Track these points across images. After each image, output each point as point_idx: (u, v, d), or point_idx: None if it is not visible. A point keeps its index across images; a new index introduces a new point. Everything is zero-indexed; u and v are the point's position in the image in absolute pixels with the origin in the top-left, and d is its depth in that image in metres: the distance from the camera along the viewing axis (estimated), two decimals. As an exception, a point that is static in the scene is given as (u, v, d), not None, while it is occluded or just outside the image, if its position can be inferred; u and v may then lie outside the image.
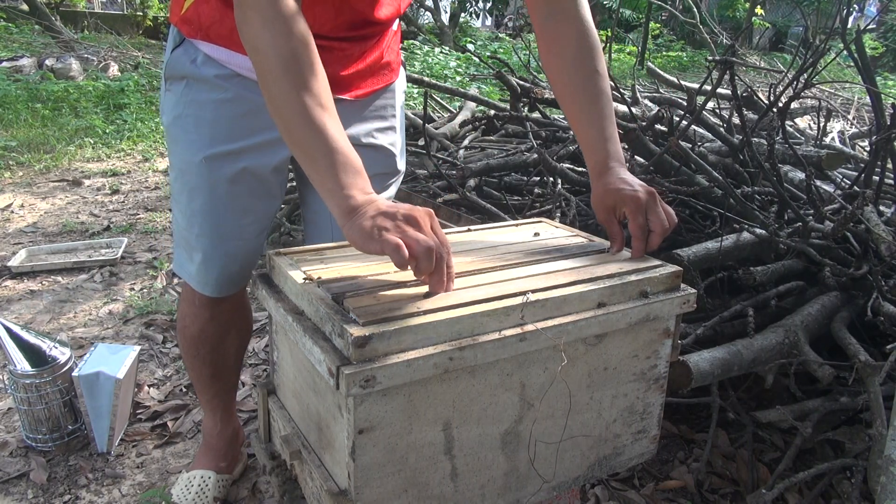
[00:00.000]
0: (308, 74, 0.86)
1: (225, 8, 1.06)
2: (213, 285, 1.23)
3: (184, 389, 1.95)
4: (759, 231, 1.67)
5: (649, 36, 11.64)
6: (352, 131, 1.20)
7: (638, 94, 3.08)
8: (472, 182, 2.36)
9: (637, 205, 0.96)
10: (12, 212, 3.48)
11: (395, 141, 1.28)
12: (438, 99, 4.32)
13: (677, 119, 2.24)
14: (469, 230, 1.12)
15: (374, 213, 0.81)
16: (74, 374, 1.61)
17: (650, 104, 3.08)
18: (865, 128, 3.51)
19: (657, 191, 1.00)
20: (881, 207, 1.90)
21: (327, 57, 1.10)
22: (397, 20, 1.21)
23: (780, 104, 1.90)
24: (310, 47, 0.88)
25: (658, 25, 13.58)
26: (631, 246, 0.98)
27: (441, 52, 9.30)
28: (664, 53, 12.18)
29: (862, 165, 2.15)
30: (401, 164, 1.31)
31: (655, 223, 0.96)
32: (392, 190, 1.33)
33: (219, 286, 1.23)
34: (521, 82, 2.77)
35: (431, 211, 0.82)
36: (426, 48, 9.43)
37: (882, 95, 1.89)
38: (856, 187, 1.93)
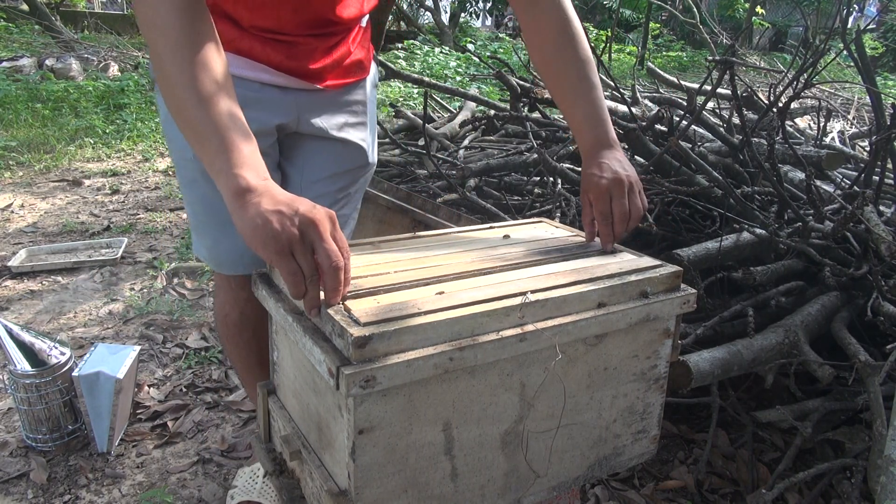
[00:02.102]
0: (205, 52, 0.84)
1: None
2: (228, 264, 1.24)
3: (184, 389, 1.95)
4: (759, 231, 1.67)
5: (649, 36, 11.64)
6: (322, 122, 1.21)
7: (638, 94, 3.08)
8: (472, 182, 2.36)
9: (598, 192, 0.99)
10: (12, 212, 3.48)
11: (365, 136, 1.30)
12: (438, 99, 4.33)
13: (677, 119, 2.24)
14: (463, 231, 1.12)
15: (270, 207, 0.75)
16: (74, 374, 1.61)
17: (650, 104, 3.08)
18: (865, 128, 3.51)
19: (630, 182, 1.00)
20: (881, 207, 1.90)
21: (294, 51, 1.12)
22: (365, 18, 1.22)
23: (780, 104, 1.90)
24: (206, 25, 0.87)
25: (658, 25, 13.58)
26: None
27: (441, 52, 9.29)
28: (664, 53, 12.17)
29: (862, 165, 2.15)
30: (372, 157, 1.33)
31: (616, 211, 0.98)
32: (364, 182, 1.35)
33: (233, 264, 1.24)
34: (521, 82, 2.77)
35: (332, 213, 0.78)
36: (426, 48, 9.43)
37: (882, 95, 1.90)
38: (856, 187, 1.93)
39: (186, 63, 0.83)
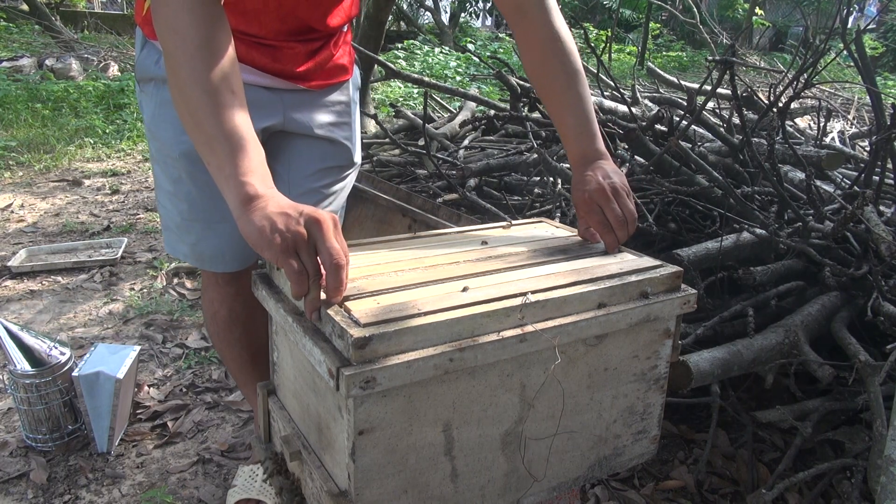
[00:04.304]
0: (221, 59, 0.85)
1: None
2: (211, 261, 1.25)
3: (184, 389, 1.95)
4: (759, 231, 1.67)
5: (649, 36, 11.63)
6: (307, 120, 1.23)
7: (638, 94, 3.08)
8: (472, 182, 2.36)
9: (586, 206, 1.01)
10: (12, 212, 3.48)
11: (350, 136, 1.31)
12: (438, 99, 4.32)
13: (677, 119, 2.24)
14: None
15: (275, 210, 0.77)
16: (74, 374, 1.61)
17: (650, 104, 3.08)
18: (865, 128, 3.51)
19: (614, 187, 1.01)
20: (881, 207, 1.90)
21: (277, 54, 1.14)
22: (346, 24, 1.24)
23: (780, 104, 1.90)
24: (226, 34, 0.88)
25: (658, 25, 13.57)
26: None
27: (441, 52, 9.30)
28: (664, 53, 12.17)
29: (862, 165, 2.15)
30: (357, 157, 1.35)
31: (611, 218, 0.99)
32: (349, 181, 1.36)
33: (215, 261, 1.25)
34: (521, 82, 2.77)
35: (336, 217, 0.80)
36: (426, 48, 9.43)
37: (882, 95, 1.90)
38: (856, 187, 1.93)
39: (203, 70, 0.84)
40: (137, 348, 1.83)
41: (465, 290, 0.82)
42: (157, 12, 0.88)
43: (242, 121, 0.85)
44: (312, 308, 0.77)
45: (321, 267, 0.76)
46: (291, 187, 1.26)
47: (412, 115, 3.44)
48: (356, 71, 1.35)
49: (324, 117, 1.25)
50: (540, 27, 1.09)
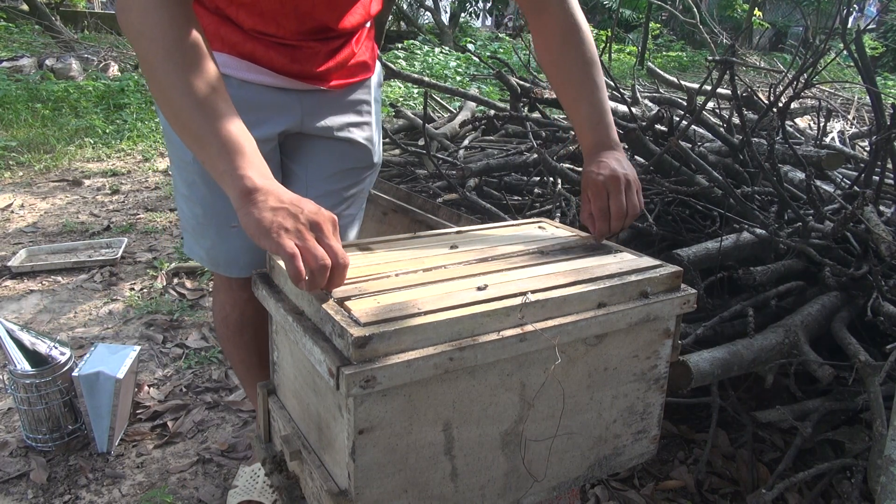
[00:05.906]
0: (196, 57, 0.85)
1: (198, 7, 1.07)
2: (226, 265, 1.24)
3: (184, 389, 1.95)
4: (759, 231, 1.67)
5: (649, 36, 11.63)
6: (327, 122, 1.22)
7: (638, 94, 3.08)
8: (472, 182, 2.36)
9: (596, 189, 1.02)
10: (12, 212, 3.48)
11: (370, 136, 1.30)
12: (438, 99, 4.32)
13: (677, 119, 2.24)
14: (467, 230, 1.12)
15: (276, 205, 0.78)
16: (74, 374, 1.61)
17: (650, 104, 3.08)
18: (865, 128, 3.51)
19: (628, 179, 1.02)
20: (881, 207, 1.89)
21: (297, 54, 1.13)
22: (369, 20, 1.23)
23: (780, 104, 1.90)
24: (195, 31, 0.87)
25: (658, 25, 13.57)
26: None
27: (441, 52, 9.29)
28: (664, 53, 12.17)
29: (862, 165, 2.15)
30: (377, 158, 1.34)
31: (613, 207, 1.01)
32: (368, 182, 1.35)
33: (230, 265, 1.25)
34: (521, 82, 2.77)
35: (335, 217, 0.81)
36: (426, 48, 9.43)
37: (882, 95, 1.89)
38: (856, 187, 1.93)
39: (179, 69, 0.84)
40: (137, 348, 1.83)
41: (480, 288, 0.82)
42: (124, 18, 0.86)
43: (227, 115, 0.84)
44: (312, 287, 0.77)
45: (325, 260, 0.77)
46: (309, 189, 1.25)
47: (412, 115, 3.44)
48: (378, 68, 1.32)
49: (343, 118, 1.24)
50: (561, 17, 1.10)
